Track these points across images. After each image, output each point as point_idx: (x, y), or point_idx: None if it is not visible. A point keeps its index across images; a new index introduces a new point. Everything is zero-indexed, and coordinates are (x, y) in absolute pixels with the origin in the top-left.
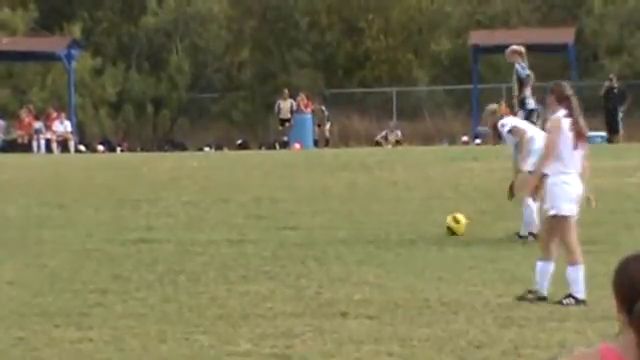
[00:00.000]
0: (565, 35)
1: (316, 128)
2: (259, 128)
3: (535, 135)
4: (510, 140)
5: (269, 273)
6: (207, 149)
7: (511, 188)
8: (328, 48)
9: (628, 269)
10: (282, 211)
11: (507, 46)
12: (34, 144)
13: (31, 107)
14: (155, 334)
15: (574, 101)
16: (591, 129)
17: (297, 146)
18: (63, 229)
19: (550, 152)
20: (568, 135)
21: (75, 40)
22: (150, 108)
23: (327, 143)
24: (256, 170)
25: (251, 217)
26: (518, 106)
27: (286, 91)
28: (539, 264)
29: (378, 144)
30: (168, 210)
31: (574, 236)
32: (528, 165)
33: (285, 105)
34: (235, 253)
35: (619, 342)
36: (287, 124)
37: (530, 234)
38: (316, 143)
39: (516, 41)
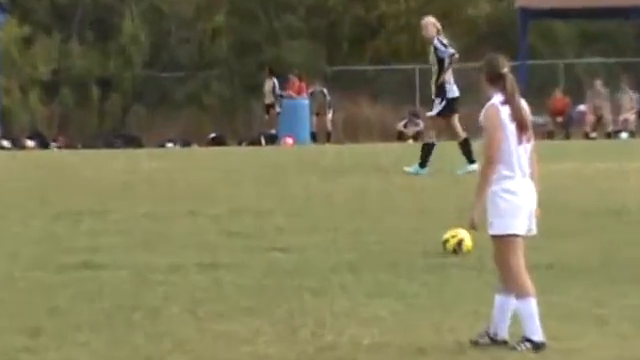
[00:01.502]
0: None
1: (314, 117)
2: (239, 118)
3: None
4: None
5: (251, 309)
6: (170, 145)
7: None
8: (330, 13)
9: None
10: (269, 227)
11: (566, 10)
12: None
13: None
14: None
15: (512, 82)
16: None
17: (289, 141)
18: None
19: (495, 153)
20: (509, 128)
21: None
22: (96, 91)
23: (329, 137)
24: (235, 173)
25: (228, 235)
26: (436, 93)
27: (267, 68)
28: (497, 298)
29: (401, 137)
30: (119, 226)
31: (518, 260)
32: None
33: (266, 86)
34: (207, 282)
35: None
36: (271, 110)
37: None
38: (314, 137)
39: (570, 4)
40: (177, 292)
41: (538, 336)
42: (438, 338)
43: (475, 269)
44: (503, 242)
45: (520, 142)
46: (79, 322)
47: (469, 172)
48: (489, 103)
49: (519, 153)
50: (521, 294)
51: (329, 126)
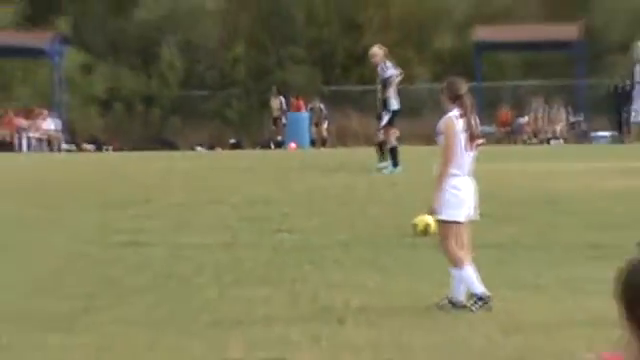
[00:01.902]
0: (571, 31)
1: (313, 127)
2: (253, 127)
3: None
4: None
5: (263, 278)
6: (199, 149)
7: None
8: (325, 44)
9: (628, 279)
10: (277, 213)
11: (512, 43)
12: (19, 143)
13: (15, 105)
14: (144, 341)
15: (467, 100)
16: (598, 129)
17: (292, 146)
18: (49, 231)
19: (450, 156)
20: (461, 137)
21: (62, 35)
22: (140, 106)
23: (324, 143)
24: (250, 171)
25: (245, 219)
26: (381, 107)
27: (274, 88)
28: (452, 271)
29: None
30: (158, 212)
31: (454, 240)
32: None
33: (274, 103)
34: (228, 257)
35: (624, 351)
36: (278, 122)
37: None
38: (313, 143)
39: (520, 37)
40: (204, 265)
41: (481, 290)
42: (412, 302)
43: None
44: (446, 226)
45: (468, 149)
46: (127, 288)
47: (382, 170)
48: (447, 115)
49: (466, 158)
50: (459, 265)
51: (325, 134)
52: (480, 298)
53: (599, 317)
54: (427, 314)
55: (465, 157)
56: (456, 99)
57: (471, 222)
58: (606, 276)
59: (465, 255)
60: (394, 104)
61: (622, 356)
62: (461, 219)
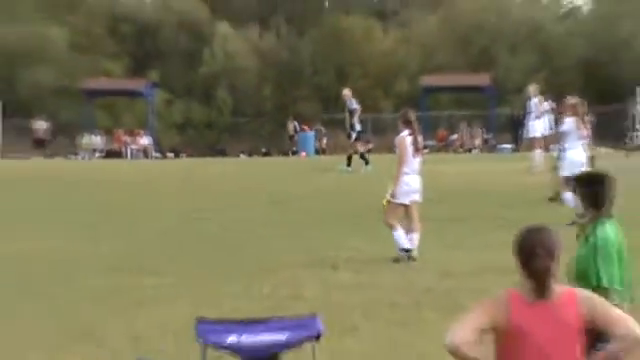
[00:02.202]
0: (484, 79)
1: (317, 142)
2: (277, 141)
3: None
4: None
5: (285, 235)
6: (242, 156)
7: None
8: (324, 88)
9: (521, 240)
10: (294, 197)
11: (446, 87)
12: (125, 152)
13: (123, 127)
14: (215, 281)
15: (415, 124)
16: (502, 143)
17: (303, 154)
18: (150, 211)
19: (403, 161)
20: (410, 148)
21: (153, 82)
22: (204, 127)
23: (324, 152)
24: (276, 171)
25: (273, 202)
26: (349, 129)
27: (290, 116)
28: (393, 234)
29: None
30: (213, 198)
31: (392, 216)
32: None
33: (290, 126)
34: (263, 224)
35: (521, 288)
36: (292, 139)
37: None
38: (317, 152)
39: (452, 83)
40: (248, 238)
41: (406, 245)
42: (382, 256)
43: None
44: (394, 206)
45: (415, 156)
46: (196, 246)
47: (365, 172)
48: (401, 135)
49: (414, 162)
50: (393, 229)
51: (324, 146)
52: (405, 250)
53: (506, 267)
54: (391, 265)
55: (413, 162)
56: (407, 123)
57: (418, 204)
58: (509, 239)
59: (399, 223)
60: (358, 127)
61: (520, 291)
62: (407, 202)
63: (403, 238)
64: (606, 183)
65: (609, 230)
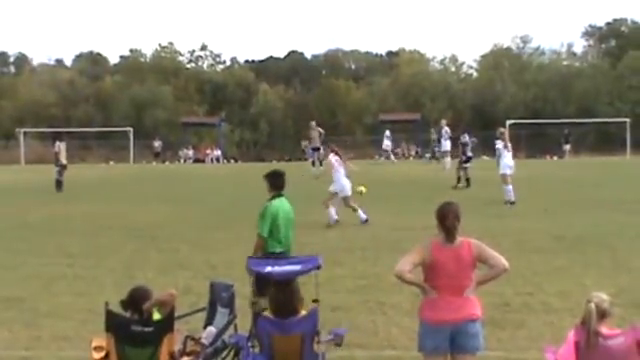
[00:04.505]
0: (416, 115)
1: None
2: (295, 153)
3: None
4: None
5: (305, 211)
6: (274, 161)
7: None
8: (323, 121)
9: (439, 209)
10: (324, 190)
11: (394, 120)
12: (207, 159)
13: (204, 145)
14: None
15: (339, 152)
16: (425, 154)
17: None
18: (216, 194)
19: (337, 170)
20: (337, 164)
21: (222, 118)
22: (251, 145)
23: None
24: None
25: (304, 198)
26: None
27: (303, 139)
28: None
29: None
30: (256, 191)
31: (332, 200)
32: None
33: (303, 145)
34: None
35: (437, 237)
36: (304, 152)
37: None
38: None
39: (396, 118)
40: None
41: (364, 217)
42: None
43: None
44: (333, 195)
45: (344, 168)
46: (238, 216)
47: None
48: (329, 158)
49: (343, 169)
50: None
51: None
52: (365, 220)
53: (429, 225)
54: (358, 226)
55: (342, 169)
56: (334, 151)
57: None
58: (430, 209)
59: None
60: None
61: (437, 239)
62: (346, 193)
63: (361, 212)
64: None
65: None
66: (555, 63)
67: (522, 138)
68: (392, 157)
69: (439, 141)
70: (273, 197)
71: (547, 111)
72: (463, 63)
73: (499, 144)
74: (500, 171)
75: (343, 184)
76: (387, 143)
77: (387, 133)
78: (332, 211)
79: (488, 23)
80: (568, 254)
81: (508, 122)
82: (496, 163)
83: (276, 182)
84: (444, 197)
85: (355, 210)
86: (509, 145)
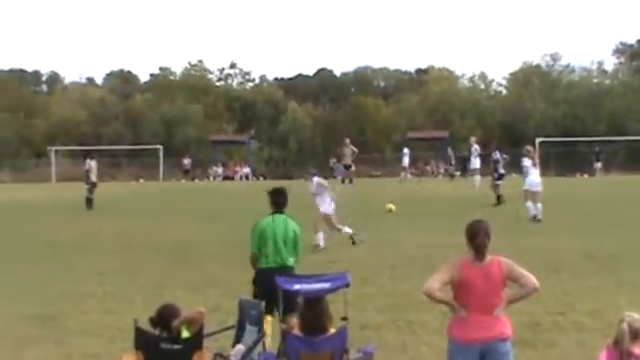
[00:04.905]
0: (444, 133)
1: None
2: (324, 171)
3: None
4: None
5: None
6: (302, 179)
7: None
8: (352, 140)
9: (469, 226)
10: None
11: (422, 137)
12: (235, 176)
13: (233, 163)
14: None
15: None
16: (455, 172)
17: (339, 177)
18: (251, 206)
19: (322, 188)
20: (323, 187)
21: (251, 136)
22: (280, 162)
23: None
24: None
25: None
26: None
27: (331, 156)
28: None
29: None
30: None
31: (320, 220)
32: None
33: (330, 162)
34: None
35: (467, 255)
36: (332, 169)
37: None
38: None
39: (425, 136)
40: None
41: (347, 230)
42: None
43: (405, 221)
44: (321, 215)
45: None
46: None
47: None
48: (318, 179)
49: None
50: (318, 232)
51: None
52: (353, 235)
53: (458, 244)
54: (388, 243)
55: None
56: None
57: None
58: (459, 227)
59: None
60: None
61: (467, 257)
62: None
63: (348, 229)
64: None
65: None
66: (585, 80)
67: (552, 156)
68: (408, 175)
69: (469, 159)
70: (272, 214)
71: (577, 129)
72: (492, 80)
73: (526, 162)
74: (524, 187)
75: (331, 203)
76: (406, 160)
77: (405, 150)
78: (321, 235)
79: (517, 40)
80: (600, 273)
81: (538, 140)
82: (523, 181)
83: (276, 200)
84: (474, 215)
85: (339, 230)
86: (537, 162)
